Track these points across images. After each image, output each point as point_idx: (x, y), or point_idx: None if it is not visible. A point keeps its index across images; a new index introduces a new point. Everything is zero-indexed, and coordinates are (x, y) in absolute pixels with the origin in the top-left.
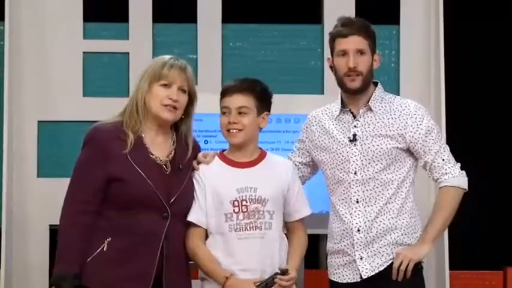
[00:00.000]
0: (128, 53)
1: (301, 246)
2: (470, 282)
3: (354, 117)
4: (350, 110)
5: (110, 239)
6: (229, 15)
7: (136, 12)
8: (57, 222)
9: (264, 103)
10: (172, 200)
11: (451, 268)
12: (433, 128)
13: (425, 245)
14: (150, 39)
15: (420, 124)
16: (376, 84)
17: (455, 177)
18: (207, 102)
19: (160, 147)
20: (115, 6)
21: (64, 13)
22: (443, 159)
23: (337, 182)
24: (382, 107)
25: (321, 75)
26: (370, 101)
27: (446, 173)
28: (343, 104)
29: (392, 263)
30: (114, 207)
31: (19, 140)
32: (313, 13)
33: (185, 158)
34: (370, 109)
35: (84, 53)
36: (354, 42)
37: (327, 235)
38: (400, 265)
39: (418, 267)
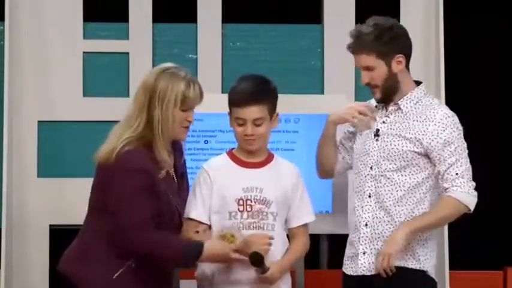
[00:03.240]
0: (128, 53)
1: (298, 250)
2: (470, 282)
3: (386, 113)
4: (384, 105)
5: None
6: (229, 15)
7: (137, 12)
8: (57, 222)
9: (274, 105)
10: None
11: (451, 268)
12: (454, 141)
13: (399, 231)
14: (150, 39)
15: (441, 133)
16: (418, 84)
17: (463, 192)
18: (207, 102)
19: (168, 159)
20: (115, 6)
21: (64, 13)
22: (457, 173)
23: (356, 173)
24: (414, 108)
25: (321, 75)
26: (401, 99)
27: (455, 185)
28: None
29: (394, 267)
30: None
31: (19, 140)
32: (313, 13)
33: (182, 164)
34: (399, 108)
35: (84, 53)
36: (359, 60)
37: (327, 235)
38: (382, 264)
39: (418, 275)
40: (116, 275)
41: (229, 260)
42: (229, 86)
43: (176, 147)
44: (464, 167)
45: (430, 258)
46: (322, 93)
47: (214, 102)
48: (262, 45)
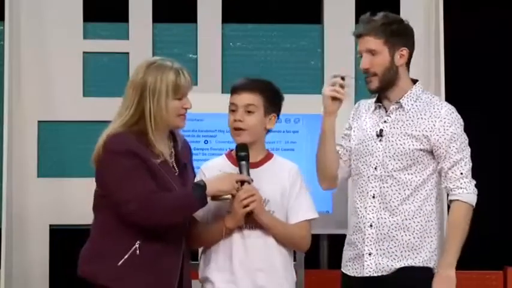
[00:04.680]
0: (128, 53)
1: (289, 226)
2: (470, 282)
3: (386, 112)
4: (383, 105)
5: (139, 242)
6: (229, 15)
7: (137, 12)
8: (57, 222)
9: (272, 104)
10: None
11: None
12: (459, 137)
13: (446, 272)
14: (150, 39)
15: (447, 129)
16: (415, 82)
17: (470, 194)
18: (207, 102)
19: (164, 149)
20: (115, 6)
21: (64, 13)
22: (461, 173)
23: (357, 174)
24: (416, 105)
25: (321, 75)
26: (403, 98)
27: (461, 187)
28: (378, 99)
29: (400, 269)
30: None
31: (19, 140)
32: (313, 13)
33: (184, 155)
34: (401, 106)
35: (84, 53)
36: (364, 43)
37: (327, 235)
38: None
39: (425, 273)
40: (121, 262)
41: (233, 188)
42: (229, 86)
43: (178, 138)
44: (468, 166)
45: (435, 255)
46: None
47: (214, 102)
48: (262, 45)
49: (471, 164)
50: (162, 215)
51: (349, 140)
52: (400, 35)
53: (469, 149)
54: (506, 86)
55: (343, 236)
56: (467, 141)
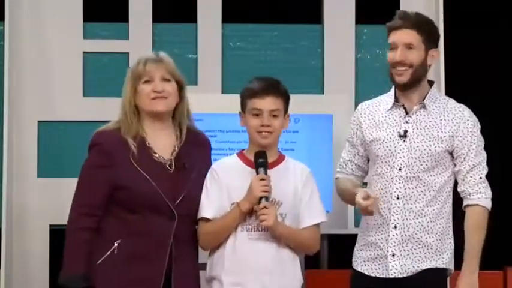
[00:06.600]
0: (128, 53)
1: (300, 231)
2: None
3: (407, 113)
4: (403, 105)
5: (119, 241)
6: (229, 15)
7: (137, 12)
8: (57, 222)
9: (287, 105)
10: (178, 200)
11: None
12: (478, 140)
13: (474, 275)
14: (150, 39)
15: (470, 131)
16: (431, 83)
17: (487, 198)
18: (207, 102)
19: (163, 146)
20: (115, 6)
21: (64, 13)
22: (480, 177)
23: (378, 174)
24: (436, 106)
25: (321, 75)
26: (426, 99)
27: (480, 192)
28: (397, 99)
29: (425, 270)
30: (123, 210)
31: (19, 140)
32: (313, 13)
33: (190, 156)
34: (424, 107)
35: (84, 53)
36: (403, 35)
37: (327, 235)
38: None
39: (446, 274)
40: (99, 261)
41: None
42: (229, 86)
43: (191, 137)
44: (486, 170)
45: (452, 256)
46: (322, 93)
47: (214, 102)
48: (262, 45)
49: (487, 169)
50: (67, 232)
51: (357, 152)
52: (435, 36)
53: (485, 154)
54: (507, 86)
55: (343, 236)
56: (483, 145)
